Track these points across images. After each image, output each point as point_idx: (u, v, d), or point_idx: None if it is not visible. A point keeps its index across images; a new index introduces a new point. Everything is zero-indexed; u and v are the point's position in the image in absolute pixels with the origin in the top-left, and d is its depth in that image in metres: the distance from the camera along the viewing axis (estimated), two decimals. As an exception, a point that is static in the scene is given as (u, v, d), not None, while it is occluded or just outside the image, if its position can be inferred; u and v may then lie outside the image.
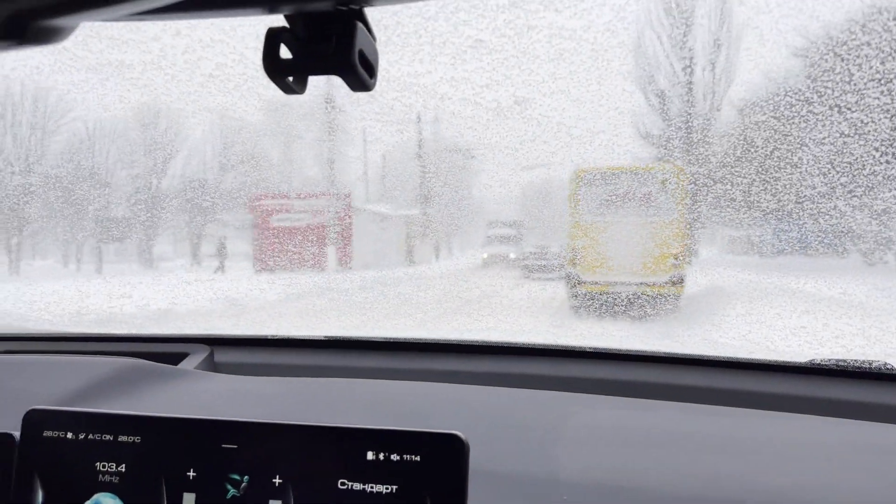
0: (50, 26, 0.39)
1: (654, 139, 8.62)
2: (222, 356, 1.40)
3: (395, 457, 0.67)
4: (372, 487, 0.67)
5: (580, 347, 1.32)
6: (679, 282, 6.45)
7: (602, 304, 6.26)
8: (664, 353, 1.26)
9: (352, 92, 0.60)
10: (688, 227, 7.01)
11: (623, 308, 6.15)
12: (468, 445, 0.66)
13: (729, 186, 6.97)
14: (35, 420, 0.79)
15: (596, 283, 6.56)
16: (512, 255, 11.34)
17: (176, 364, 1.30)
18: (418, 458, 0.67)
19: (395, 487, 0.67)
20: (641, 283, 6.44)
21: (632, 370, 1.23)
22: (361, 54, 0.55)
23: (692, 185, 7.12)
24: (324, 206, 9.73)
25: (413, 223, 11.95)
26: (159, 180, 11.94)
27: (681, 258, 6.54)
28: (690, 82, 8.39)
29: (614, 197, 6.93)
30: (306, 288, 8.08)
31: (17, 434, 0.83)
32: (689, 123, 8.26)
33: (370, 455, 0.68)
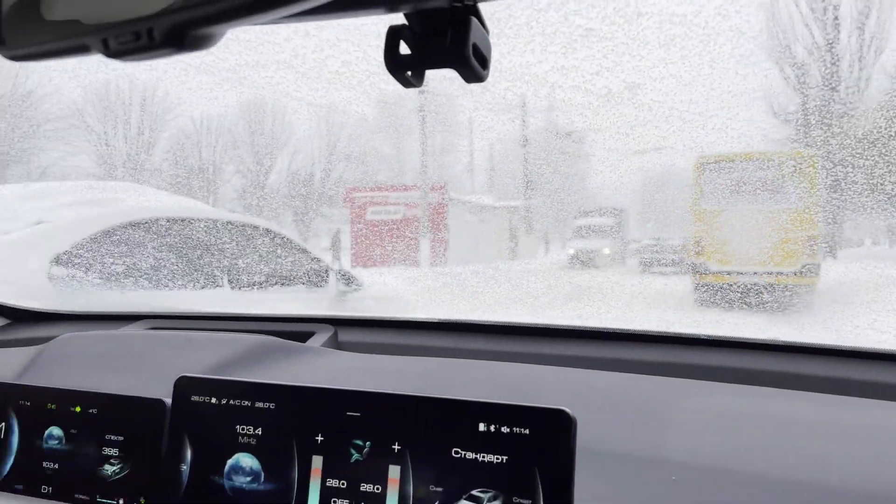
0: (204, 34, 0.44)
1: (789, 116, 8.01)
2: (345, 336, 1.49)
3: (505, 429, 0.71)
4: (483, 457, 0.71)
5: (694, 335, 1.29)
6: (813, 271, 6.09)
7: (730, 294, 6.00)
8: (782, 341, 1.22)
9: (465, 84, 0.63)
10: (823, 214, 6.57)
11: (752, 299, 5.87)
12: (576, 421, 0.68)
13: (875, 166, 6.42)
14: (184, 386, 0.89)
15: (723, 273, 6.31)
16: (606, 251, 9.27)
17: (304, 342, 1.39)
18: (527, 432, 0.70)
19: (505, 458, 0.70)
20: (772, 273, 6.14)
21: (748, 358, 1.20)
22: (475, 48, 0.58)
23: (833, 167, 6.64)
24: (419, 198, 9.61)
25: (516, 214, 11.42)
26: (274, 174, 12.45)
27: (814, 247, 6.17)
28: (833, 51, 7.69)
29: (741, 184, 6.61)
30: (400, 283, 8.14)
31: (167, 401, 0.93)
32: (832, 97, 7.56)
33: (482, 426, 0.72)
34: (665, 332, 1.32)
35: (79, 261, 2.61)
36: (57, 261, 2.50)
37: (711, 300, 6.26)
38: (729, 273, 6.29)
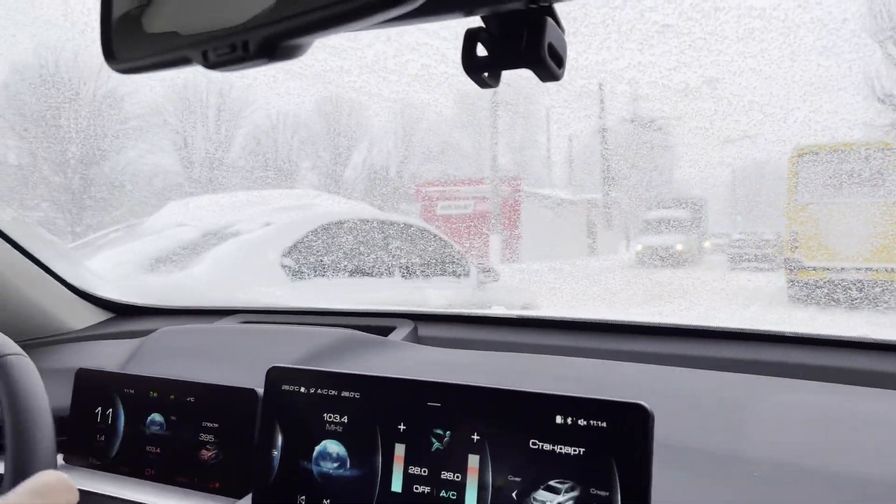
0: (294, 45, 0.47)
1: (894, 100, 7.44)
2: (425, 330, 1.52)
3: (582, 422, 0.72)
4: (561, 449, 0.72)
5: (777, 332, 1.26)
6: None
7: (827, 291, 5.71)
8: (870, 338, 1.17)
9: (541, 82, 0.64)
10: None
11: (851, 295, 5.57)
12: (653, 415, 0.68)
13: None
14: (275, 376, 0.93)
15: (821, 269, 6.00)
16: (679, 247, 8.31)
17: (385, 336, 1.44)
18: (604, 425, 0.71)
19: (582, 450, 0.71)
20: (874, 269, 5.80)
21: (833, 356, 1.15)
22: (550, 47, 0.59)
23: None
24: (490, 192, 9.45)
25: (595, 208, 11.05)
26: (350, 170, 12.69)
27: None
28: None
29: (840, 176, 6.27)
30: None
31: (259, 390, 0.98)
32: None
33: (559, 419, 0.73)
34: (746, 329, 1.29)
35: (301, 254, 3.38)
36: (286, 254, 3.33)
37: (807, 297, 5.98)
38: (827, 269, 5.98)
